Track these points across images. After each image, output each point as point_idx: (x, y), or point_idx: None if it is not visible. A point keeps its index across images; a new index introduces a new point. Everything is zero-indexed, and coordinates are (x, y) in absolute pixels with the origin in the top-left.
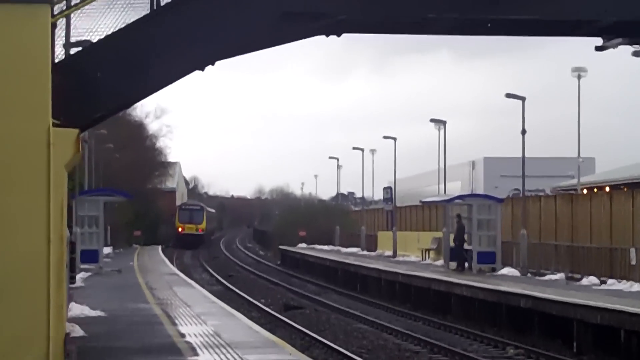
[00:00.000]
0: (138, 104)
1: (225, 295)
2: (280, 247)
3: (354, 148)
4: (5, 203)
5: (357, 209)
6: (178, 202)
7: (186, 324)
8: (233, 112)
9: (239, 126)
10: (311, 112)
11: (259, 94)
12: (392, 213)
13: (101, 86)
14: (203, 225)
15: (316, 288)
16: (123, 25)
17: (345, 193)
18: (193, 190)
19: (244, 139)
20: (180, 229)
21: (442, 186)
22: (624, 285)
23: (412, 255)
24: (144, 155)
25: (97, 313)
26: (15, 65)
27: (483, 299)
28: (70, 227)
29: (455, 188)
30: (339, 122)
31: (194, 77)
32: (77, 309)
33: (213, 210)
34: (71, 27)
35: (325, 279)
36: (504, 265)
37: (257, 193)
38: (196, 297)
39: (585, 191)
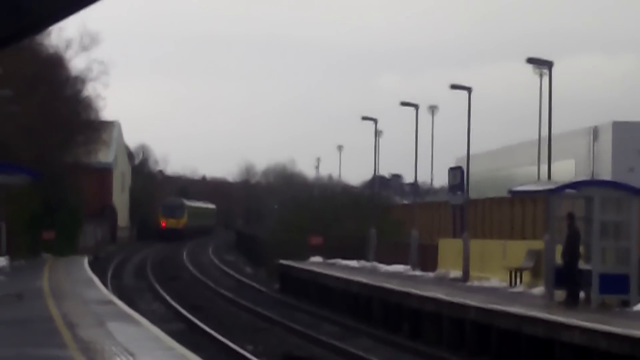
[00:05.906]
0: (54, 27)
1: (189, 339)
2: (280, 262)
3: (402, 104)
4: None
5: (405, 202)
6: (116, 185)
7: None
8: (210, 39)
9: (218, 63)
10: (337, 42)
11: (255, 8)
12: (463, 210)
13: None
14: (184, 220)
15: (337, 329)
16: None
17: (387, 176)
18: (140, 167)
19: (225, 84)
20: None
21: (544, 167)
22: None
23: (493, 278)
24: (60, 110)
25: None
26: None
27: (607, 350)
28: None
29: (566, 170)
30: (380, 61)
31: None
32: None
33: (209, 206)
34: None
35: (353, 315)
36: None
37: (243, 174)
38: (143, 339)
39: None
